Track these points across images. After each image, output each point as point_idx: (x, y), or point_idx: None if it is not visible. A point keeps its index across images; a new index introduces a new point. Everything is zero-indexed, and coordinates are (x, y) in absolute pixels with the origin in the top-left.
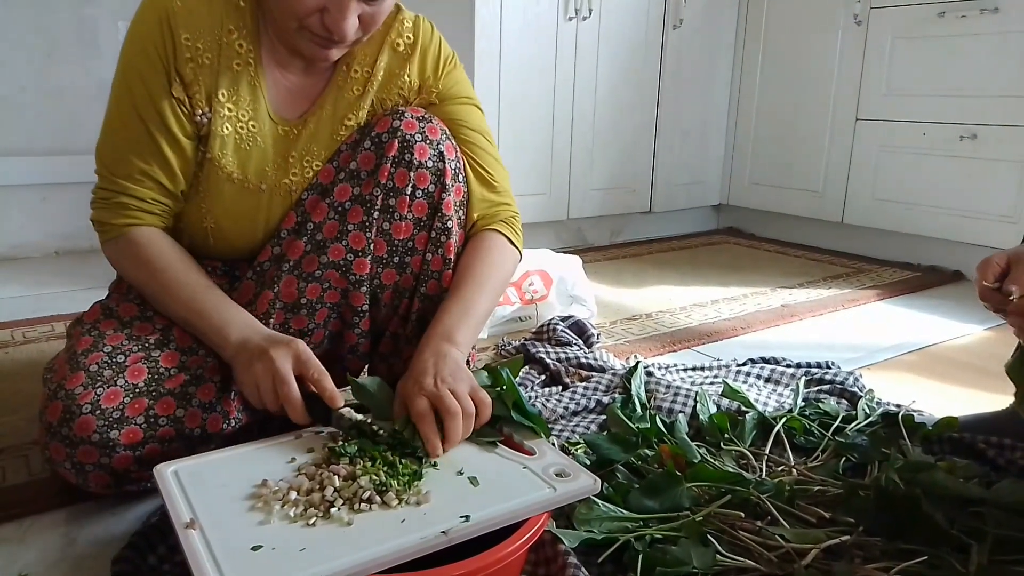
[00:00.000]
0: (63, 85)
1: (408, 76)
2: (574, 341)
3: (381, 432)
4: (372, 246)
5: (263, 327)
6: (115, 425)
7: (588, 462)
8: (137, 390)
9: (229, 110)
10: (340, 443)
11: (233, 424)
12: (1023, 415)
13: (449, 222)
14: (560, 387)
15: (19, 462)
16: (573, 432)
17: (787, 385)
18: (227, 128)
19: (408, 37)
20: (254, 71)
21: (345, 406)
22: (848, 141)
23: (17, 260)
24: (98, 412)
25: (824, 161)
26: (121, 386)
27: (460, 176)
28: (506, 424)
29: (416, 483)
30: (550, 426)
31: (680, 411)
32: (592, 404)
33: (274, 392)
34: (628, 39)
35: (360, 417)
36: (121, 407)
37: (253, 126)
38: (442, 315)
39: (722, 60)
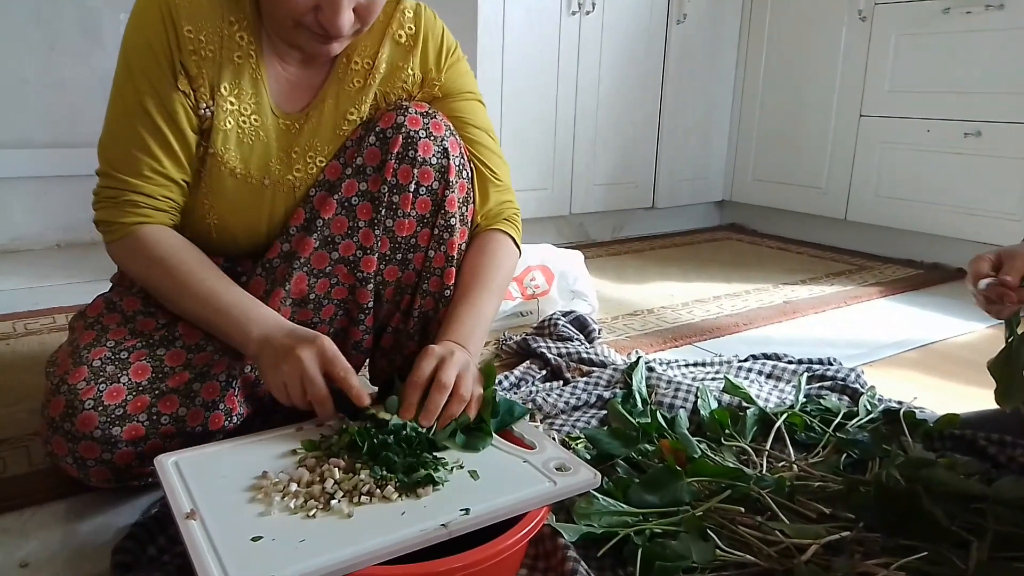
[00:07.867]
0: (65, 77)
1: (411, 68)
2: (575, 336)
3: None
4: (378, 243)
5: (285, 321)
6: (117, 422)
7: (588, 456)
8: (140, 388)
9: (232, 104)
10: (334, 436)
11: (235, 420)
12: (1006, 409)
13: (452, 219)
14: (561, 382)
15: (20, 453)
16: (574, 427)
17: (788, 381)
18: (229, 122)
19: (410, 28)
20: (255, 63)
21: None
22: (852, 137)
23: (18, 252)
24: (100, 408)
25: (827, 157)
26: (124, 383)
27: (464, 172)
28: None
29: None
30: (550, 421)
31: (681, 406)
32: (593, 399)
33: (302, 391)
34: (631, 34)
35: (389, 417)
36: (124, 404)
37: (256, 120)
38: (454, 321)
39: (726, 55)
